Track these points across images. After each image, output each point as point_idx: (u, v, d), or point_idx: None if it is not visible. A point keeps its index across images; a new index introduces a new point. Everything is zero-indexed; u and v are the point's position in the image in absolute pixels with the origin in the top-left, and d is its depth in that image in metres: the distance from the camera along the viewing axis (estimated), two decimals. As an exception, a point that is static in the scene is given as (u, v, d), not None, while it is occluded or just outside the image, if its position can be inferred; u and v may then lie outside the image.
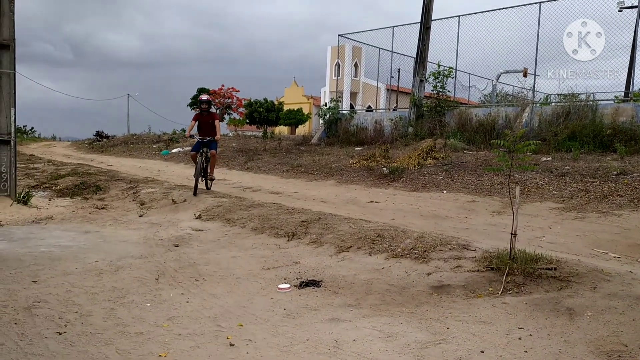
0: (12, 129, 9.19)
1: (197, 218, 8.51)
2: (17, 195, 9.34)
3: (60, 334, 3.88)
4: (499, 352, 3.64)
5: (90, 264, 5.87)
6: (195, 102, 33.92)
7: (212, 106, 12.19)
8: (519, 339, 3.82)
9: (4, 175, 9.17)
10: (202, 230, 7.75)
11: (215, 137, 10.62)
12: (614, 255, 5.89)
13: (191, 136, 10.65)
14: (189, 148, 24.38)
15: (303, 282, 5.41)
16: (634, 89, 14.76)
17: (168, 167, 16.98)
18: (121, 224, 8.45)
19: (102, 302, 4.64)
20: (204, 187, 10.73)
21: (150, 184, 11.75)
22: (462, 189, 10.53)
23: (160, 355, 3.61)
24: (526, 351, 3.62)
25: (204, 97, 11.12)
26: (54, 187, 11.84)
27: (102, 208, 9.72)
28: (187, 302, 4.80)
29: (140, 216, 8.94)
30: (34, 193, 10.43)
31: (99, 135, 29.52)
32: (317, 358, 3.63)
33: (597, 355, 3.50)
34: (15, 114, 9.16)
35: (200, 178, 10.33)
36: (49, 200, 10.19)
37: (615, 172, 9.58)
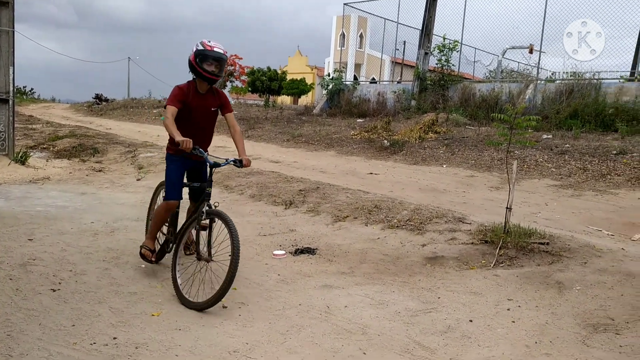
0: (11, 88, 9.12)
1: (195, 183, 8.52)
2: (15, 154, 9.33)
3: (54, 290, 3.92)
4: (487, 321, 3.69)
5: (85, 224, 5.90)
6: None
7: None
8: (508, 309, 3.86)
9: (2, 135, 9.14)
10: (199, 196, 7.76)
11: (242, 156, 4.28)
12: (607, 232, 5.91)
13: (194, 149, 4.03)
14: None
15: (298, 249, 5.46)
16: (639, 69, 14.58)
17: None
18: (118, 186, 8.47)
19: (97, 262, 4.67)
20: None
21: (149, 148, 11.73)
22: (462, 163, 10.51)
23: (153, 315, 3.66)
24: (514, 321, 3.67)
25: (218, 47, 4.19)
26: (51, 148, 11.84)
27: (99, 171, 9.72)
28: (182, 264, 4.83)
29: (138, 180, 8.94)
30: (32, 153, 10.43)
31: (98, 98, 29.28)
32: (308, 322, 3.68)
33: (583, 327, 3.54)
34: (14, 73, 9.08)
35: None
36: (47, 161, 10.19)
37: (614, 152, 9.55)
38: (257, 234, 5.94)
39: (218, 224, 3.96)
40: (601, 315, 3.67)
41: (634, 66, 14.95)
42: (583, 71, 14.10)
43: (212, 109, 4.39)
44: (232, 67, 29.28)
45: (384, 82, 22.71)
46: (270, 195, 7.43)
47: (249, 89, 32.84)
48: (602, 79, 13.63)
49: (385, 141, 12.62)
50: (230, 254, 3.73)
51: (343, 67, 23.20)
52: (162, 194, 4.83)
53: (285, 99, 36.86)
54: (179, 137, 3.90)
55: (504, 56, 20.20)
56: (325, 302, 4.07)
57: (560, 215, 6.68)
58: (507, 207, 5.15)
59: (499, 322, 3.68)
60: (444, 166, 10.48)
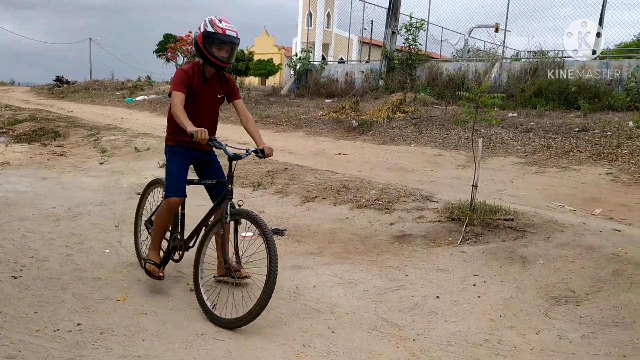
0: (-36, 70, 8.74)
1: (161, 167, 8.37)
2: (-28, 139, 8.99)
3: (15, 277, 3.80)
4: (453, 297, 3.75)
5: (47, 210, 5.74)
6: (162, 48, 32.59)
7: None
8: (474, 285, 3.93)
9: (-43, 119, 8.78)
10: (165, 179, 7.64)
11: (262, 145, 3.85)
12: (570, 208, 6.07)
13: (210, 140, 3.50)
14: (155, 96, 23.68)
15: (267, 230, 5.43)
16: (601, 47, 14.89)
17: (132, 115, 16.55)
18: (80, 171, 8.26)
19: (59, 247, 4.55)
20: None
21: (112, 131, 11.45)
22: (429, 142, 10.59)
23: (118, 300, 3.59)
24: (479, 296, 3.74)
25: (230, 29, 3.66)
26: (11, 133, 11.41)
27: (60, 155, 9.45)
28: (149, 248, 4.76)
29: (101, 164, 8.74)
30: (-10, 138, 10.07)
31: (59, 80, 28.31)
32: (277, 303, 3.66)
33: (545, 300, 3.64)
34: (-34, 54, 8.68)
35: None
36: (6, 146, 9.86)
37: (577, 129, 9.77)
38: (225, 216, 5.88)
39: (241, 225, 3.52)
40: (563, 287, 3.78)
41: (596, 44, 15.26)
42: (547, 50, 14.33)
43: (219, 96, 3.89)
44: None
45: (352, 62, 22.65)
46: (238, 177, 7.35)
47: (216, 70, 32.36)
48: (565, 57, 13.86)
49: (354, 121, 12.61)
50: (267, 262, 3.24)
51: (310, 47, 23.05)
52: (152, 195, 4.37)
53: (252, 80, 36.37)
54: (192, 128, 3.36)
55: (470, 35, 20.36)
56: (293, 282, 4.06)
57: (525, 192, 6.82)
58: (473, 185, 5.22)
59: (465, 297, 3.75)
60: (412, 145, 10.55)
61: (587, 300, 3.60)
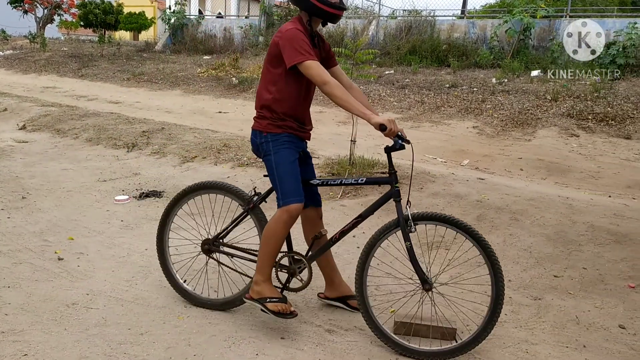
0: None
1: (20, 129, 7.62)
2: None
3: None
4: (333, 249, 3.83)
5: None
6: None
7: None
8: (353, 237, 4.05)
9: None
10: (26, 142, 6.96)
11: None
12: (441, 159, 6.46)
13: (398, 136, 2.71)
14: (11, 51, 21.00)
15: (143, 193, 5.20)
16: (467, 8, 15.81)
17: (-16, 73, 14.82)
18: None
19: None
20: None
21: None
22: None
23: (-27, 276, 3.24)
24: (358, 247, 3.87)
25: None
26: None
27: None
28: (8, 217, 4.34)
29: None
30: None
31: None
32: (156, 266, 3.52)
33: (419, 247, 3.85)
34: None
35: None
36: None
37: (447, 85, 10.36)
38: (96, 180, 5.52)
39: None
40: (433, 234, 4.02)
41: (464, 5, 16.17)
42: (420, 9, 14.91)
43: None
44: (59, -2, 26.22)
45: (231, 17, 21.97)
46: (110, 138, 6.90)
47: (81, 23, 29.65)
48: (437, 16, 14.52)
49: (234, 79, 12.32)
50: (490, 273, 2.76)
51: (185, 0, 21.90)
52: (202, 205, 3.39)
53: (124, 35, 33.98)
54: (379, 118, 2.49)
55: (349, -8, 20.52)
56: (174, 243, 3.91)
57: (401, 146, 7.13)
58: (351, 140, 5.34)
59: (345, 249, 3.87)
60: (294, 103, 10.55)
61: (454, 244, 3.87)
